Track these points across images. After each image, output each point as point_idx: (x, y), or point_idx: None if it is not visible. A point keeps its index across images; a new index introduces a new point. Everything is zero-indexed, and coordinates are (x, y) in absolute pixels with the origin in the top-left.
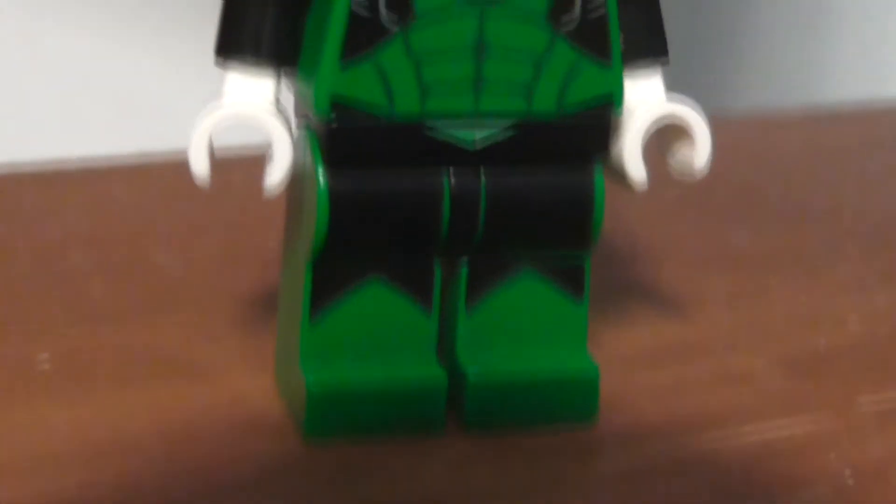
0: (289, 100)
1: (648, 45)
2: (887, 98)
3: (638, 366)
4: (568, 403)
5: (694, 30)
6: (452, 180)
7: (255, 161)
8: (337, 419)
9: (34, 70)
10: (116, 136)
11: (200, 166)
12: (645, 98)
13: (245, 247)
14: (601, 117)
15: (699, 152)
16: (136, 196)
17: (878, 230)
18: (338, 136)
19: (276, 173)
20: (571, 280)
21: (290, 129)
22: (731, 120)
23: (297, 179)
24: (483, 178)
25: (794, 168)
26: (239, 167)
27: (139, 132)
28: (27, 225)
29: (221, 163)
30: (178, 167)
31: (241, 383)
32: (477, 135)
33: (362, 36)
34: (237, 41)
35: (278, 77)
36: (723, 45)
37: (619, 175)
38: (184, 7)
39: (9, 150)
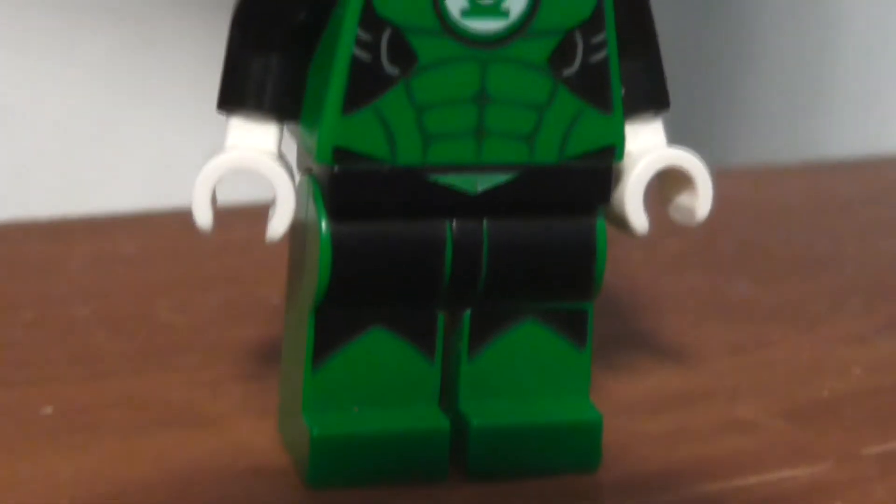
0: (291, 154)
1: (650, 95)
2: (887, 151)
3: (640, 414)
4: (571, 451)
5: (695, 83)
6: (455, 229)
7: (258, 214)
8: (340, 467)
9: (40, 127)
10: (121, 191)
11: (203, 214)
12: (646, 146)
13: (248, 299)
14: (603, 166)
15: (701, 200)
16: (141, 249)
17: (880, 281)
18: (340, 183)
19: (279, 221)
20: (574, 328)
21: (292, 177)
22: (732, 173)
23: (299, 228)
24: (485, 227)
25: (796, 220)
26: (241, 220)
27: (142, 188)
28: (32, 277)
29: (224, 216)
30: (181, 221)
31: (244, 432)
32: (479, 183)
33: (365, 85)
34: (240, 93)
35: (281, 128)
36: (724, 99)
37: (621, 222)
38: (186, 64)
39: (15, 206)
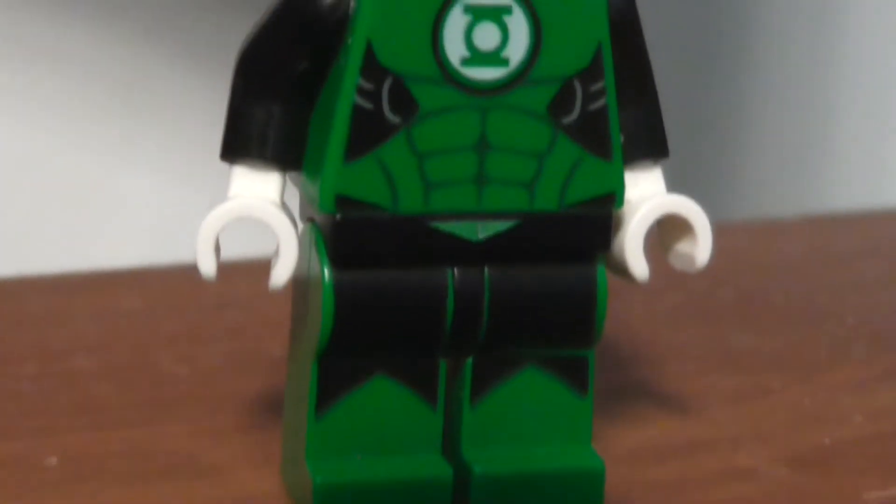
0: (294, 204)
1: (649, 143)
2: (887, 204)
3: (642, 462)
4: (573, 499)
5: (696, 138)
6: (456, 277)
7: (260, 269)
8: None
9: (43, 184)
10: (124, 246)
11: (207, 263)
12: (646, 194)
13: (250, 351)
14: (603, 213)
15: (700, 247)
16: (144, 302)
17: (880, 331)
18: (342, 232)
19: (282, 269)
20: (575, 375)
21: (295, 225)
22: (733, 227)
23: (302, 277)
24: (486, 275)
25: (796, 272)
26: (244, 275)
27: (145, 243)
28: (35, 330)
29: (226, 271)
30: (184, 275)
31: (247, 482)
32: (480, 231)
33: (367, 133)
34: (243, 142)
35: (283, 177)
36: (725, 154)
37: (621, 269)
38: (188, 120)
39: (19, 262)
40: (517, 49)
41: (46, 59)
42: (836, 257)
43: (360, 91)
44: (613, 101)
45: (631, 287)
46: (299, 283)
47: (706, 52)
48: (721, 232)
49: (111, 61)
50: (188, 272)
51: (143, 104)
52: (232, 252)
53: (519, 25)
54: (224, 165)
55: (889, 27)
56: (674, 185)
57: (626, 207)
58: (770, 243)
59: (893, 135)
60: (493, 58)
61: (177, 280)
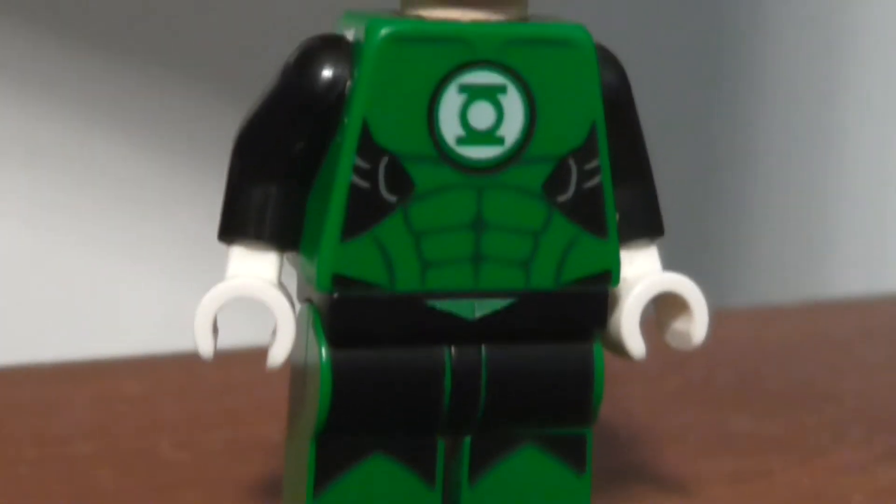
0: (292, 286)
1: (644, 222)
2: (885, 290)
3: None
4: None
5: (694, 226)
6: (454, 356)
7: (257, 357)
8: None
9: (44, 275)
10: (123, 336)
11: (205, 343)
12: (642, 272)
13: (249, 436)
14: (599, 291)
15: (696, 324)
16: (143, 389)
17: (879, 413)
18: (340, 310)
19: (280, 348)
20: (574, 453)
21: (293, 304)
22: (732, 313)
23: (299, 357)
24: (483, 354)
25: (795, 356)
26: (241, 363)
27: (145, 333)
28: (35, 417)
29: (225, 359)
30: (183, 363)
31: None
32: (477, 309)
33: (363, 212)
34: (240, 223)
35: (281, 258)
36: (723, 242)
37: (618, 347)
38: (185, 217)
39: (20, 350)
40: (512, 128)
41: (48, 158)
42: (835, 341)
43: (357, 170)
44: (608, 179)
45: (630, 371)
46: (297, 363)
47: (705, 138)
48: (720, 317)
49: (112, 159)
50: (188, 360)
51: (142, 199)
52: (230, 340)
53: (514, 105)
54: (223, 254)
55: (888, 116)
56: (672, 270)
57: (623, 285)
58: (769, 328)
59: (893, 222)
60: (489, 137)
61: (177, 367)
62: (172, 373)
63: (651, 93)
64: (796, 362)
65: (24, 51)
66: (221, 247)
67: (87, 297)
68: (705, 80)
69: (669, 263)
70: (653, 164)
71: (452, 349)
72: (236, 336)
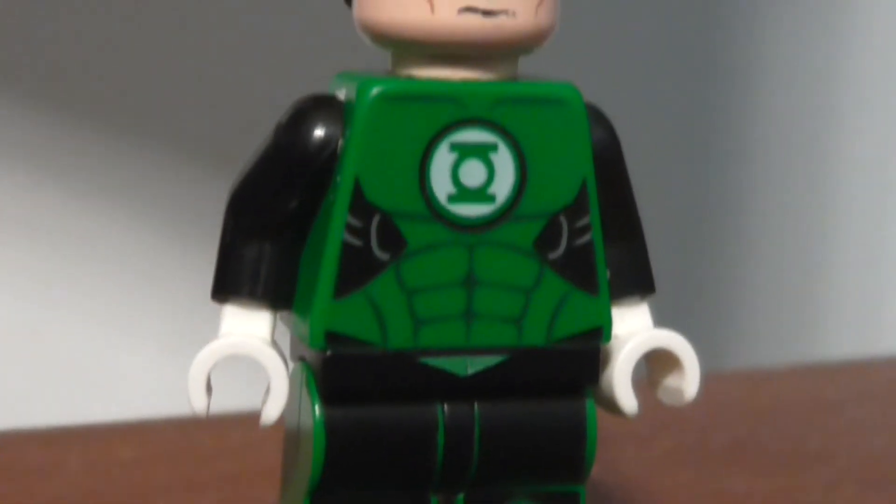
0: (285, 344)
1: (635, 280)
2: (877, 352)
3: None
4: None
5: (688, 291)
6: (446, 414)
7: (251, 419)
8: None
9: (41, 343)
10: (118, 401)
11: (199, 399)
12: (633, 329)
13: (244, 499)
14: (590, 348)
15: (688, 380)
16: (138, 454)
17: (871, 473)
18: (333, 368)
19: (273, 405)
20: None
21: (286, 362)
22: (725, 375)
23: (292, 416)
24: (476, 411)
25: (788, 418)
26: (235, 425)
27: (139, 398)
28: (28, 481)
29: (218, 423)
30: (178, 428)
31: None
32: (469, 366)
33: (356, 270)
34: (234, 281)
35: (274, 316)
36: (715, 304)
37: (610, 404)
38: (175, 289)
39: (15, 416)
40: (503, 186)
41: (42, 229)
42: (828, 403)
43: (349, 228)
44: (599, 236)
45: (623, 432)
46: (290, 422)
47: (697, 197)
48: (713, 380)
49: (105, 229)
50: (181, 424)
51: (135, 268)
52: (223, 404)
53: (504, 162)
54: (215, 323)
55: (882, 182)
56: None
57: (614, 342)
58: (762, 390)
59: (886, 285)
60: (480, 195)
61: (170, 432)
62: (166, 437)
63: (641, 151)
64: (789, 423)
65: (19, 123)
66: (214, 315)
67: (79, 363)
68: (695, 139)
69: (661, 326)
70: (644, 222)
71: (445, 406)
72: (229, 400)
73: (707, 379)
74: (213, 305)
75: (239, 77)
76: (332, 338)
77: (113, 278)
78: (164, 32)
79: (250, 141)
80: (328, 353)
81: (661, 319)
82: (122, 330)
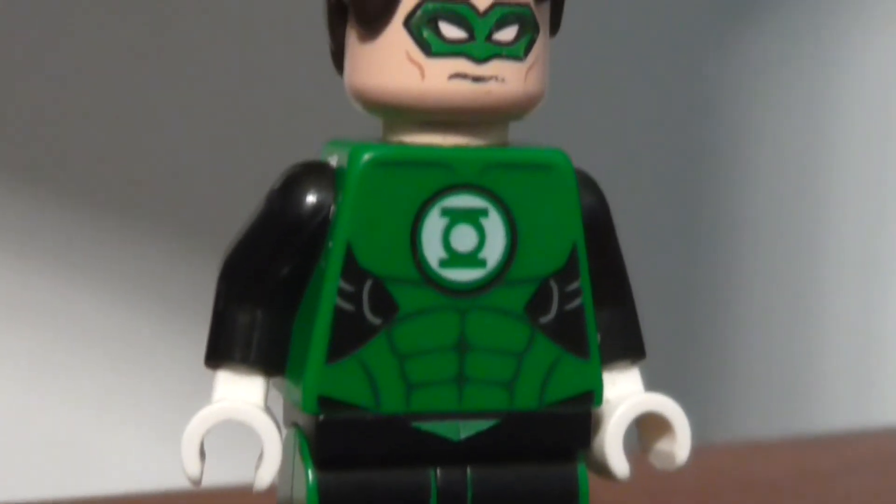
0: (278, 411)
1: (625, 345)
2: (869, 425)
3: None
4: None
5: (678, 358)
6: (439, 478)
7: (244, 491)
8: None
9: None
10: (111, 475)
11: (192, 466)
12: (624, 393)
13: None
14: (582, 412)
15: (679, 444)
16: None
17: None
18: (326, 433)
19: (266, 470)
20: None
21: (279, 427)
22: (716, 448)
23: (286, 482)
24: (469, 475)
25: (780, 490)
26: (229, 500)
27: (128, 474)
28: None
29: (213, 495)
30: (170, 501)
31: None
32: (462, 430)
33: (348, 335)
34: (227, 347)
35: (267, 381)
36: (708, 375)
37: (602, 468)
38: (164, 368)
39: (11, 490)
40: (494, 251)
41: (25, 314)
42: (820, 475)
43: (342, 293)
44: (589, 300)
45: (615, 500)
46: (283, 489)
47: (688, 265)
48: (704, 453)
49: (92, 311)
50: (173, 498)
51: (124, 348)
52: (214, 478)
53: (495, 227)
54: (205, 400)
55: (872, 251)
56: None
57: (605, 406)
58: (754, 463)
59: (879, 357)
60: (471, 259)
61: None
62: None
63: (630, 216)
64: (781, 496)
65: (6, 205)
66: (203, 393)
67: (71, 440)
68: (685, 205)
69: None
70: (635, 288)
71: (438, 470)
72: (221, 475)
73: (699, 451)
74: (205, 382)
75: (231, 144)
76: (325, 402)
77: (103, 356)
78: (156, 103)
79: (242, 212)
80: (321, 417)
81: (651, 388)
82: (112, 407)
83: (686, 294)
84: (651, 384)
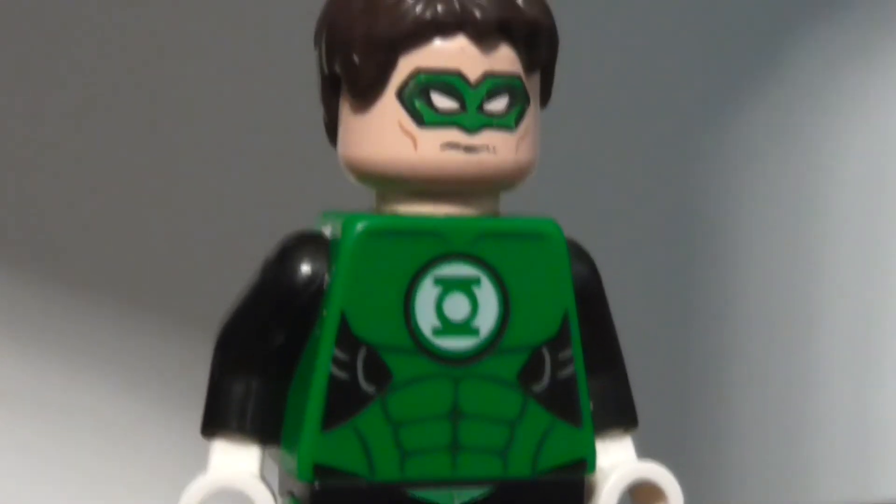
0: (273, 480)
1: (618, 413)
2: (869, 499)
3: None
4: None
5: (672, 429)
6: None
7: None
8: None
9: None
10: None
11: None
12: (617, 461)
13: None
14: (575, 479)
15: None
16: None
17: None
18: (321, 500)
19: None
20: None
21: (275, 496)
22: None
23: None
24: None
25: None
26: None
27: None
28: None
29: None
30: None
31: None
32: (455, 498)
33: (343, 403)
34: (222, 417)
35: (263, 450)
36: (703, 446)
37: None
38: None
39: None
40: (487, 319)
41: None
42: None
43: (336, 361)
44: (581, 368)
45: None
46: None
47: (682, 332)
48: None
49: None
50: None
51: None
52: None
53: (488, 296)
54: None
55: (863, 323)
56: None
57: (598, 475)
58: None
59: (878, 431)
60: (464, 328)
61: None
62: None
63: (622, 286)
64: None
65: None
66: (199, 465)
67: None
68: (677, 274)
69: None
70: (628, 357)
71: None
72: None
73: None
74: (201, 454)
75: (225, 215)
76: (320, 470)
77: (94, 430)
78: (148, 172)
79: (236, 282)
80: (317, 485)
81: (644, 456)
82: (107, 481)
83: (679, 362)
84: (644, 452)
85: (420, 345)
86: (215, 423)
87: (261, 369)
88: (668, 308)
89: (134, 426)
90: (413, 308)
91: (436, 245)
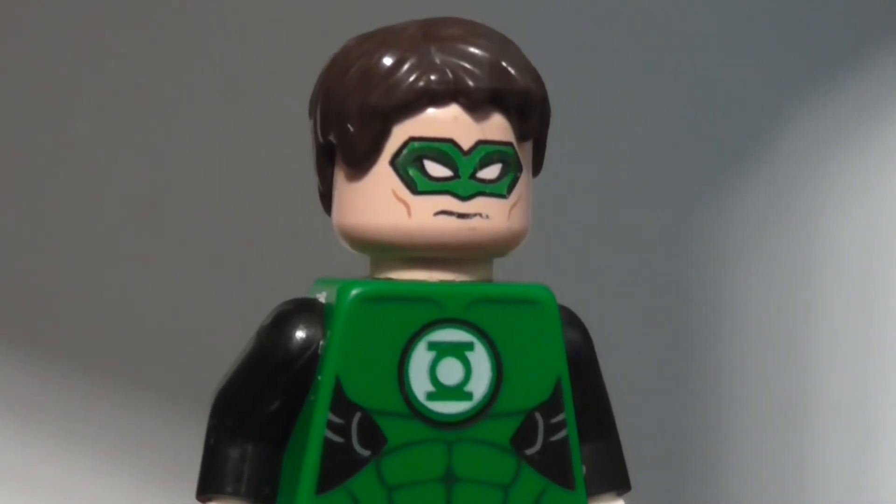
0: None
1: (610, 477)
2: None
3: None
4: None
5: (665, 493)
6: None
7: None
8: None
9: None
10: None
11: None
12: None
13: None
14: None
15: None
16: None
17: None
18: None
19: None
20: None
21: None
22: None
23: None
24: None
25: None
26: None
27: None
28: None
29: None
30: None
31: None
32: None
33: (337, 466)
34: (218, 480)
35: None
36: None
37: None
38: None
39: None
40: (480, 384)
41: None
42: None
43: (331, 425)
44: (574, 432)
45: None
46: None
47: (673, 396)
48: None
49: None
50: None
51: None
52: None
53: (481, 361)
54: None
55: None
56: None
57: None
58: None
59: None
60: (458, 393)
61: None
62: None
63: (615, 353)
64: None
65: None
66: None
67: None
68: (670, 344)
69: None
70: (619, 423)
71: None
72: None
73: None
74: None
75: (220, 284)
76: None
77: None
78: (140, 243)
79: (231, 349)
80: None
81: None
82: None
83: (672, 427)
84: None
85: (414, 409)
86: (210, 487)
87: (256, 434)
88: (660, 374)
89: (129, 499)
90: (407, 373)
91: (429, 311)
